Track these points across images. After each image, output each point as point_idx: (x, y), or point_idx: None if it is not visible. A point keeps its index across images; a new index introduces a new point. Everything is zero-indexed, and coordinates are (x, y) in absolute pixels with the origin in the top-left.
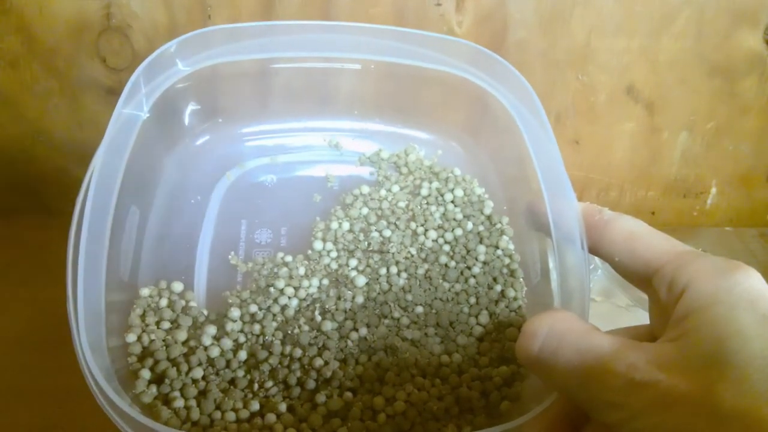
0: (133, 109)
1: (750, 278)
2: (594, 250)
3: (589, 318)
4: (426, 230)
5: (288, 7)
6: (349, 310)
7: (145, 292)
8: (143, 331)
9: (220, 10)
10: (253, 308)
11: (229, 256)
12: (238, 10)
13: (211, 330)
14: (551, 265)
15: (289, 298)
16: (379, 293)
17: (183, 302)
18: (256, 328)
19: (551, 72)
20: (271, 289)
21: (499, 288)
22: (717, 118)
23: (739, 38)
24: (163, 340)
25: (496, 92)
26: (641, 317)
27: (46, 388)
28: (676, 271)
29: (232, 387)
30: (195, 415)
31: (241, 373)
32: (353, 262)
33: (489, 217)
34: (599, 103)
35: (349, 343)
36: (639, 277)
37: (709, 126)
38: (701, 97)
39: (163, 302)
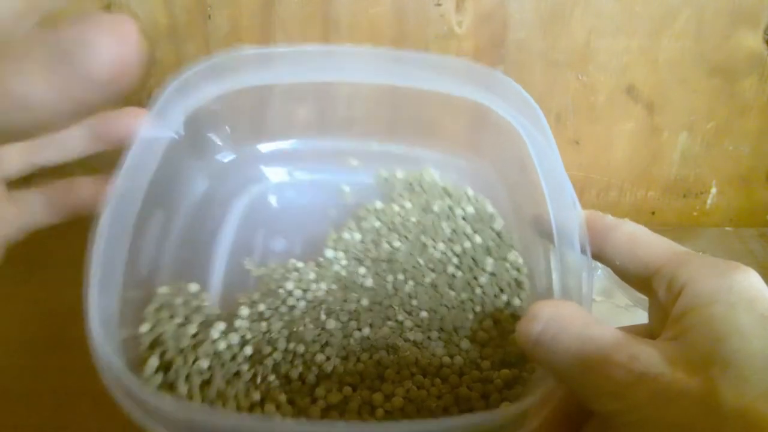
0: (161, 130)
1: (748, 278)
2: (597, 256)
3: None
4: (435, 243)
5: (288, 7)
6: (354, 311)
7: (162, 290)
8: (156, 323)
9: (220, 9)
10: (262, 307)
11: (244, 262)
12: (238, 10)
13: (220, 325)
14: (553, 270)
15: (297, 299)
16: (385, 297)
17: (197, 302)
18: (263, 325)
19: (551, 72)
20: (281, 291)
21: (505, 297)
22: (717, 118)
23: (739, 38)
24: (174, 332)
25: (505, 113)
26: (641, 317)
27: (48, 390)
28: (675, 270)
29: (235, 379)
30: (197, 402)
31: (245, 367)
32: (362, 270)
33: (499, 233)
34: (599, 103)
35: (352, 341)
36: (639, 279)
37: (709, 126)
38: (701, 97)
39: (178, 300)
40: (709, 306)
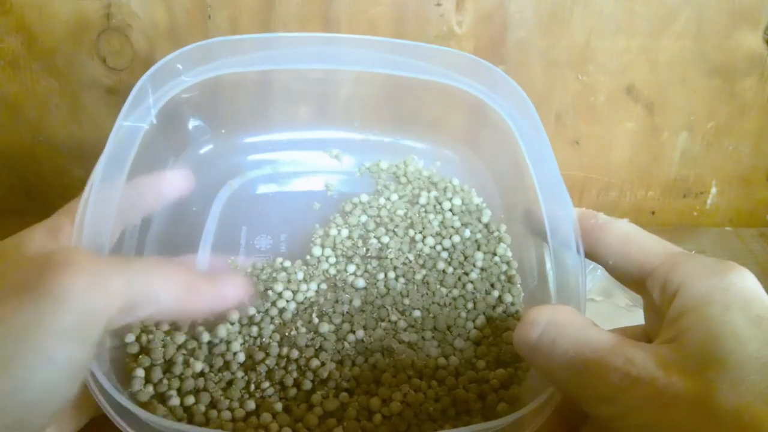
0: (136, 119)
1: (744, 279)
2: (589, 255)
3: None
4: (424, 237)
5: (288, 7)
6: (347, 313)
7: None
8: (142, 331)
9: (220, 9)
10: (252, 311)
11: (229, 262)
12: (238, 10)
13: (209, 332)
14: (548, 270)
15: (287, 301)
16: (376, 297)
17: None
18: (254, 330)
19: (551, 72)
20: (270, 293)
21: (496, 293)
22: (717, 118)
23: (739, 38)
24: (162, 341)
25: (492, 102)
26: (641, 317)
27: None
28: (669, 272)
29: (228, 387)
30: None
31: (238, 374)
32: (351, 268)
33: (487, 225)
34: (599, 103)
35: (346, 344)
36: (633, 279)
37: (709, 126)
38: (701, 97)
39: None
40: (704, 308)
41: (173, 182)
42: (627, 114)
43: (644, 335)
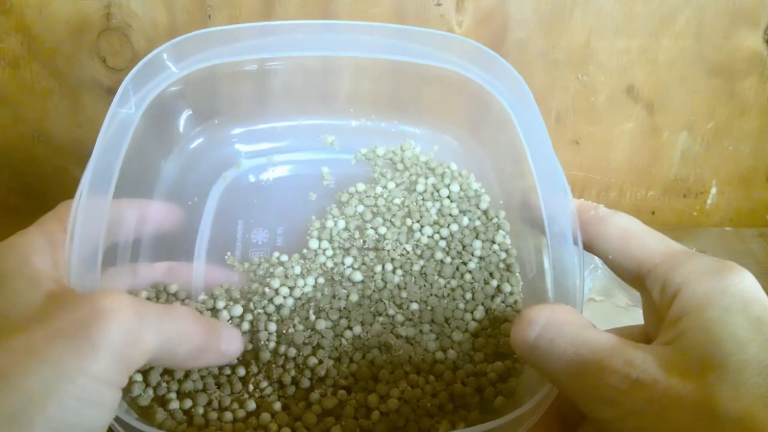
0: (125, 114)
1: (743, 280)
2: (588, 247)
3: (583, 315)
4: (422, 226)
5: (288, 6)
6: (344, 308)
7: (142, 294)
8: None
9: (220, 9)
10: (249, 308)
11: (226, 257)
12: (238, 10)
13: None
14: (546, 262)
15: (284, 297)
16: (374, 291)
17: (179, 303)
18: (251, 328)
19: (551, 72)
20: (267, 289)
21: (495, 283)
22: (717, 118)
23: (739, 38)
24: None
25: (492, 88)
26: (641, 317)
27: None
28: (669, 271)
29: (227, 387)
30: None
31: (236, 373)
32: (349, 260)
33: (485, 212)
34: (599, 103)
35: (344, 341)
36: (632, 275)
37: (709, 126)
38: (701, 97)
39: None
40: (703, 309)
41: (159, 213)
42: (627, 114)
43: (643, 335)
